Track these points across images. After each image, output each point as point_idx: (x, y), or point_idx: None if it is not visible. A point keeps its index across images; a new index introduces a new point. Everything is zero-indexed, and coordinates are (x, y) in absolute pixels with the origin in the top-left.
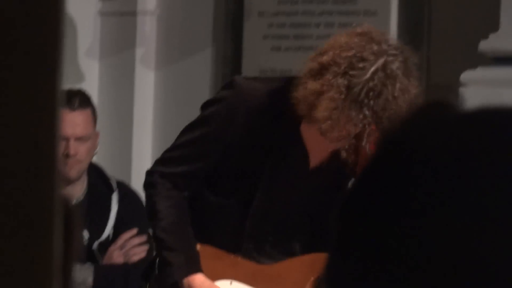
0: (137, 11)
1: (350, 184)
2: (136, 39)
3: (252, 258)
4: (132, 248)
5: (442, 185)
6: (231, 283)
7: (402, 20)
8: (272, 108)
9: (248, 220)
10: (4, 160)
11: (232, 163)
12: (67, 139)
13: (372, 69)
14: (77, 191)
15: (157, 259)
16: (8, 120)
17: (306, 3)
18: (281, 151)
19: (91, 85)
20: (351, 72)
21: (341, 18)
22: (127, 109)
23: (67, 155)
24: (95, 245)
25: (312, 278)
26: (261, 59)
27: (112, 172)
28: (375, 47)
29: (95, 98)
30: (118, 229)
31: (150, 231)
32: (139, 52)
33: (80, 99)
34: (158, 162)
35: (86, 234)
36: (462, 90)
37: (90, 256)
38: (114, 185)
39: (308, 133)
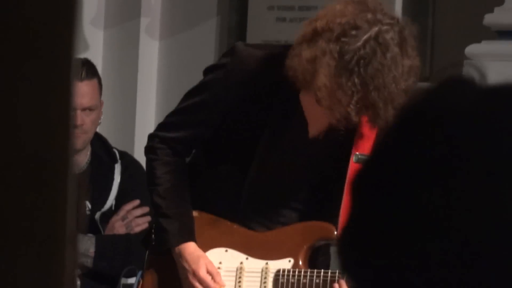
0: None
1: (352, 155)
2: (141, 9)
3: (249, 226)
4: (134, 219)
5: (471, 155)
6: (226, 251)
7: None
8: (271, 75)
9: (245, 187)
10: (20, 130)
11: (231, 129)
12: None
13: (365, 37)
14: (80, 160)
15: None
16: (23, 94)
17: None
18: (279, 118)
19: (96, 55)
20: (343, 39)
21: None
22: (131, 79)
23: (74, 126)
24: (97, 215)
25: (305, 246)
26: (265, 30)
27: (115, 142)
28: (369, 16)
29: (99, 68)
30: (121, 200)
31: None
32: (143, 22)
33: (87, 69)
34: (160, 126)
35: (88, 205)
36: (466, 63)
37: (92, 227)
38: (117, 155)
39: (307, 101)
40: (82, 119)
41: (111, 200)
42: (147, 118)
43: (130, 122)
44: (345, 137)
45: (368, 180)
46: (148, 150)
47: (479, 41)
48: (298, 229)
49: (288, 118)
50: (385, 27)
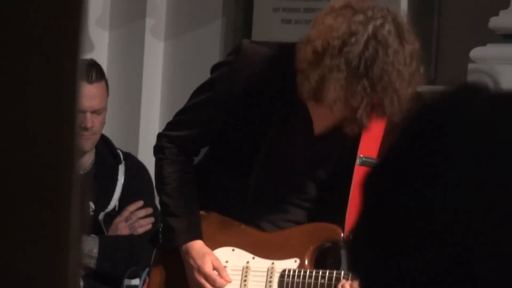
0: None
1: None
2: (146, 10)
3: (256, 224)
4: (137, 220)
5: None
6: (233, 250)
7: None
8: (277, 73)
9: (251, 185)
10: (26, 132)
11: (236, 127)
12: (83, 112)
13: (364, 38)
14: (85, 161)
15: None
16: (30, 94)
17: None
18: (284, 116)
19: (101, 55)
20: (345, 49)
21: None
22: (136, 80)
23: (84, 129)
24: (101, 216)
25: (311, 247)
26: (271, 32)
27: (120, 143)
28: (361, 17)
29: (104, 69)
30: (124, 201)
31: (157, 202)
32: (149, 22)
33: (96, 72)
34: (168, 125)
35: (92, 205)
36: (471, 66)
37: (96, 227)
38: (121, 156)
39: (313, 104)
40: (92, 121)
41: (114, 201)
42: (152, 119)
43: (134, 123)
44: (349, 135)
45: (379, 183)
46: (157, 149)
47: (484, 44)
48: (305, 230)
49: (293, 116)
50: (379, 22)
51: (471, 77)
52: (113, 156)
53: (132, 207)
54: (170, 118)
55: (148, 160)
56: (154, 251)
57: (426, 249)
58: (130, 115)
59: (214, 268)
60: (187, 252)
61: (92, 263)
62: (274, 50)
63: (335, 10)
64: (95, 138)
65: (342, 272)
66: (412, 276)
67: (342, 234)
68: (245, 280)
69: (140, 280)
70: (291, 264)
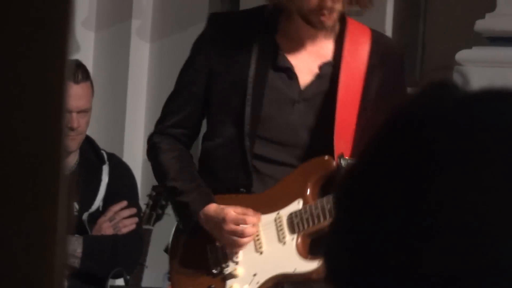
0: None
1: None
2: (132, 11)
3: (257, 188)
4: (121, 220)
5: (454, 165)
6: None
7: None
8: (247, 25)
9: (246, 148)
10: (13, 132)
11: (219, 92)
12: (70, 112)
13: None
14: (69, 161)
15: (175, 222)
16: (17, 95)
17: None
18: (262, 59)
19: (87, 56)
20: None
21: None
22: (121, 81)
23: (70, 129)
24: (85, 216)
25: (309, 183)
26: None
27: (105, 144)
28: None
29: (90, 70)
30: (108, 201)
31: (141, 203)
32: (135, 23)
33: (82, 72)
34: (156, 123)
35: (76, 205)
36: (457, 68)
37: (80, 227)
38: (105, 157)
39: (289, 41)
40: (78, 121)
41: (98, 201)
42: (137, 120)
43: (120, 123)
44: (330, 93)
45: (354, 187)
46: (149, 149)
47: (470, 47)
48: (298, 172)
49: (273, 70)
50: None
51: (455, 80)
52: (97, 156)
53: (116, 207)
54: (155, 119)
55: (132, 161)
56: (171, 238)
57: (402, 250)
58: (115, 116)
59: (237, 213)
60: (206, 217)
61: (76, 263)
62: (241, 11)
63: None
64: (81, 138)
65: None
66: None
67: (334, 163)
68: (258, 239)
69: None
70: (295, 206)
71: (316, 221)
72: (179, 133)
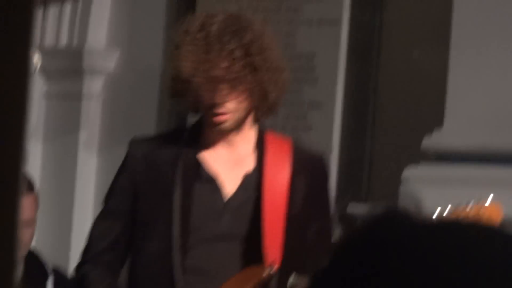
0: (82, 94)
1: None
2: (80, 123)
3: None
4: None
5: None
6: None
7: (347, 112)
8: (171, 145)
9: (174, 263)
10: None
11: (144, 211)
12: None
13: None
14: None
15: None
16: None
17: None
18: (189, 186)
19: (34, 168)
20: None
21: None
22: (68, 193)
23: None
24: None
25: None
26: None
27: (50, 257)
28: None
29: (37, 181)
30: None
31: None
32: (82, 135)
33: (28, 183)
34: (85, 249)
35: None
36: (403, 186)
37: None
38: (49, 270)
39: (211, 152)
40: (22, 233)
41: None
42: (84, 232)
43: (66, 237)
44: (255, 202)
45: None
46: (78, 282)
47: (417, 163)
48: (232, 282)
49: (197, 181)
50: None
51: (402, 198)
52: (41, 270)
53: None
54: None
55: None
56: None
57: None
58: (62, 229)
59: None
60: None
61: None
62: (163, 133)
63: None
64: (25, 251)
65: None
66: None
67: (265, 271)
68: None
69: None
70: None
71: None
72: (107, 261)
